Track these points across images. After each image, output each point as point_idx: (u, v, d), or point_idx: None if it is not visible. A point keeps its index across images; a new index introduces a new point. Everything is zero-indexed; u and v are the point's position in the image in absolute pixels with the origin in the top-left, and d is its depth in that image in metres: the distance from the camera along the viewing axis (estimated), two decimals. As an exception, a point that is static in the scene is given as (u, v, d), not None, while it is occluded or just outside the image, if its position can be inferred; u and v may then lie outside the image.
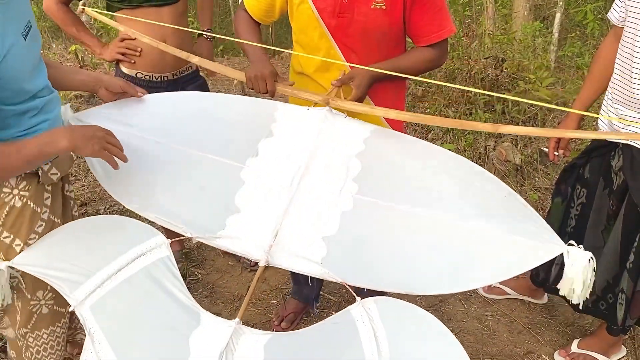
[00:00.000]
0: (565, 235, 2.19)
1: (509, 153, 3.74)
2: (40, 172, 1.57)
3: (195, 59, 2.04)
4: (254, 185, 1.73)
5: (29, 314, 1.65)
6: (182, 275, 2.58)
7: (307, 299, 2.47)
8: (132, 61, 2.26)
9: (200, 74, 2.51)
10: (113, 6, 2.22)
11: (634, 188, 1.97)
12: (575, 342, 2.35)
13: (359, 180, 1.71)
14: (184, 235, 1.65)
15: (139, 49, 2.20)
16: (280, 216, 1.67)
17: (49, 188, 1.63)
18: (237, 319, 1.50)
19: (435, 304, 2.64)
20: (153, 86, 2.24)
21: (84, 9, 2.06)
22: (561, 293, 1.52)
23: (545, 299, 2.65)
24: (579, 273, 1.47)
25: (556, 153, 2.21)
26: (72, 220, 1.75)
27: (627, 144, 1.97)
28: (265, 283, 2.75)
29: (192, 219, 1.68)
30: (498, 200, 1.61)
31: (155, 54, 2.22)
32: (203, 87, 2.46)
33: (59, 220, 1.66)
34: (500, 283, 2.68)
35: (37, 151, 1.43)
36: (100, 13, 2.18)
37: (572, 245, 1.49)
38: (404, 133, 1.93)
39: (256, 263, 1.63)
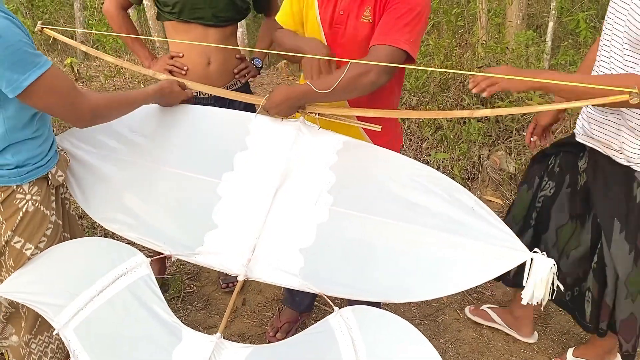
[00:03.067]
0: (529, 227, 2.19)
1: (503, 161, 3.75)
2: (49, 176, 1.65)
3: (161, 76, 2.08)
4: (230, 200, 1.77)
5: (34, 319, 1.70)
6: (177, 289, 2.65)
7: (299, 306, 2.48)
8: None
9: (251, 88, 2.55)
10: (163, 15, 2.30)
11: (593, 192, 1.99)
12: (570, 351, 2.34)
13: (333, 192, 1.74)
14: (163, 254, 1.69)
15: (185, 67, 2.26)
16: (258, 230, 1.71)
17: (53, 191, 1.70)
18: (218, 334, 1.53)
19: (431, 314, 2.63)
20: (200, 102, 2.25)
21: (42, 27, 2.11)
22: (523, 297, 1.55)
23: (534, 337, 2.50)
24: (542, 279, 1.52)
25: (532, 139, 2.21)
26: (70, 219, 1.83)
27: (592, 148, 1.99)
28: (261, 295, 2.76)
29: (171, 236, 1.72)
30: (467, 210, 1.65)
31: (199, 71, 2.27)
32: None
33: (61, 222, 1.73)
34: (490, 309, 2.61)
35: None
36: (60, 32, 2.22)
37: (537, 252, 1.54)
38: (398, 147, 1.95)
39: (227, 285, 1.65)
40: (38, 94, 1.43)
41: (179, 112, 1.96)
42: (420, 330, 1.50)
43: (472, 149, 3.89)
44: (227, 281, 2.72)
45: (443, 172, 3.78)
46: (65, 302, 1.54)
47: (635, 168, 1.86)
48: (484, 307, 2.57)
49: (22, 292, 1.59)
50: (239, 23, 2.44)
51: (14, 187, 1.56)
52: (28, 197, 1.59)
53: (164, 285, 2.71)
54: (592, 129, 1.95)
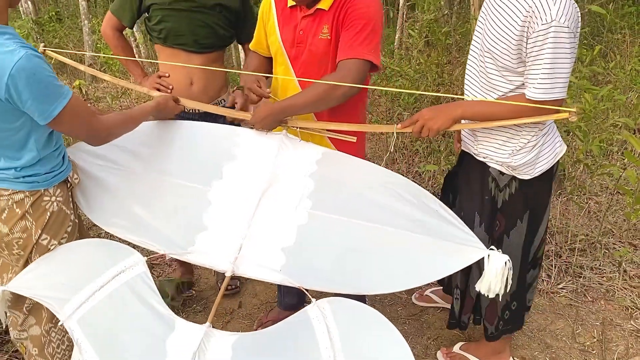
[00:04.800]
0: None
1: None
2: (69, 179, 1.86)
3: (155, 93, 2.28)
4: (219, 204, 1.95)
5: None
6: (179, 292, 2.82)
7: (286, 307, 2.64)
8: None
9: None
10: (152, 39, 2.54)
11: (459, 189, 2.21)
12: (457, 345, 2.47)
13: (312, 197, 1.92)
14: (158, 252, 1.87)
15: (171, 86, 2.41)
16: (244, 231, 1.88)
17: (70, 193, 1.90)
18: (207, 323, 1.69)
19: (416, 314, 2.78)
20: (187, 118, 2.41)
21: (44, 50, 2.31)
22: (481, 290, 1.74)
23: None
24: (497, 273, 1.70)
25: (458, 145, 2.32)
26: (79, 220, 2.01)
27: (464, 151, 2.18)
28: (256, 298, 2.94)
29: (166, 238, 1.90)
30: (432, 213, 1.83)
31: (183, 90, 2.43)
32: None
33: (77, 220, 1.93)
34: (432, 293, 2.83)
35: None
36: (59, 53, 2.43)
37: (493, 249, 1.72)
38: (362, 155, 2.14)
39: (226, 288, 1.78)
40: (64, 120, 1.64)
41: (173, 127, 2.15)
42: (405, 329, 1.66)
43: (460, 160, 4.05)
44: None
45: (433, 183, 3.98)
46: (68, 296, 1.71)
47: (489, 163, 2.01)
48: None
49: (30, 288, 1.75)
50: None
51: (42, 190, 1.76)
52: (53, 198, 1.79)
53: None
54: (462, 132, 2.14)
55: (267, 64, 2.31)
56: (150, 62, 2.63)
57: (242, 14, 2.57)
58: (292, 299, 2.65)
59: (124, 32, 2.68)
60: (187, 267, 3.02)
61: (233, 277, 1.88)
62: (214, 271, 3.02)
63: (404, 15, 6.53)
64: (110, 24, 2.55)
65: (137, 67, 2.63)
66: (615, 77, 5.21)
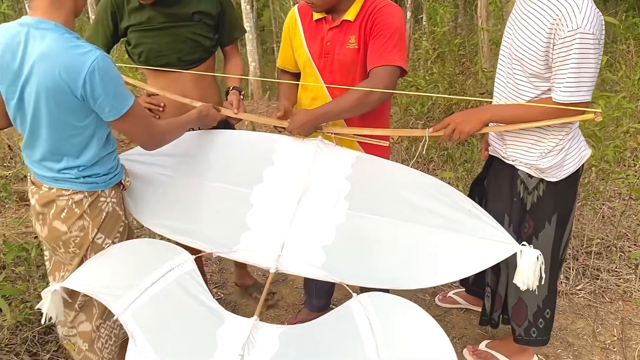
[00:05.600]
0: None
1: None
2: (123, 181, 1.97)
3: (197, 103, 2.32)
4: (261, 206, 2.06)
5: (104, 306, 1.93)
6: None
7: (315, 309, 2.74)
8: (157, 116, 2.47)
9: (229, 121, 2.50)
10: (133, 60, 2.43)
11: (488, 191, 2.29)
12: (483, 343, 2.56)
13: (349, 198, 2.03)
14: (205, 251, 1.97)
15: (162, 104, 2.45)
16: (285, 231, 1.99)
17: (121, 195, 2.01)
18: (255, 316, 1.78)
19: (440, 315, 2.87)
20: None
21: None
22: (516, 282, 1.83)
23: None
24: (530, 268, 1.79)
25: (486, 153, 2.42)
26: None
27: (492, 155, 2.27)
28: (283, 300, 3.04)
29: (212, 238, 2.00)
30: (464, 211, 1.93)
31: (176, 107, 2.38)
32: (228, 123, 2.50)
33: (127, 221, 2.02)
34: (454, 294, 2.93)
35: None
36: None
37: (525, 245, 1.81)
38: (387, 158, 2.24)
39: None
40: (128, 119, 1.76)
41: (214, 135, 2.28)
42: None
43: (475, 167, 4.16)
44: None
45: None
46: (122, 292, 1.80)
47: (517, 166, 2.11)
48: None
49: (86, 284, 1.85)
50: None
51: (99, 192, 1.87)
52: (108, 199, 1.90)
53: None
54: (490, 137, 2.24)
55: (297, 80, 2.41)
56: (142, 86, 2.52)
57: (221, 16, 2.45)
58: (320, 301, 2.74)
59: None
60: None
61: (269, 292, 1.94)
62: (245, 285, 3.09)
63: (411, 27, 6.68)
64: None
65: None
66: (623, 86, 5.33)
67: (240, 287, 3.09)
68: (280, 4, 18.51)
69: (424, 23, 7.95)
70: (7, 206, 3.96)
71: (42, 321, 1.84)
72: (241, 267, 3.04)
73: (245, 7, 9.34)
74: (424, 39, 6.04)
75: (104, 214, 1.89)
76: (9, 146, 4.73)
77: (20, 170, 4.32)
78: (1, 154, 4.47)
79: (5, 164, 4.48)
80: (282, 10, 19.26)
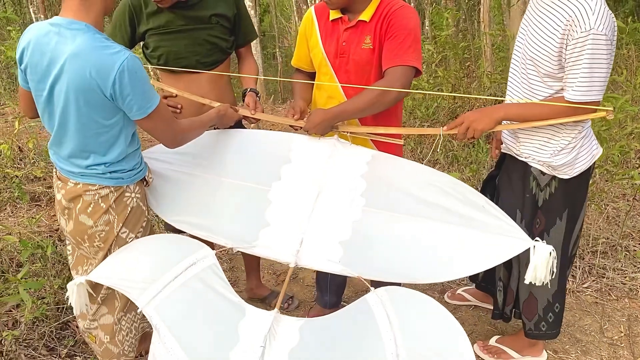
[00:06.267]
0: None
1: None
2: (147, 177, 2.03)
3: (215, 104, 2.37)
4: (279, 203, 2.10)
5: (126, 299, 2.02)
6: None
7: (327, 305, 2.79)
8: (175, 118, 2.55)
9: (244, 123, 2.55)
10: (151, 63, 2.47)
11: (500, 187, 2.34)
12: (494, 338, 2.61)
13: (365, 195, 2.08)
14: (226, 247, 2.01)
15: (179, 106, 2.45)
16: (304, 227, 2.03)
17: (144, 191, 2.06)
18: (276, 309, 1.83)
19: (449, 311, 2.91)
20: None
21: None
22: (527, 277, 1.87)
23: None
24: (543, 263, 1.84)
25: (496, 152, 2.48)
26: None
27: (504, 152, 2.31)
28: (294, 298, 3.08)
29: (232, 233, 2.05)
30: (478, 208, 1.98)
31: (194, 108, 2.43)
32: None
33: (149, 217, 2.08)
34: (464, 291, 2.97)
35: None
36: None
37: (538, 241, 1.86)
38: (401, 156, 2.29)
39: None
40: (154, 117, 1.82)
41: (232, 134, 2.33)
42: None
43: (481, 169, 4.22)
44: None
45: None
46: (146, 285, 1.84)
47: (530, 163, 2.16)
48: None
49: (110, 277, 1.89)
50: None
51: (124, 187, 1.92)
52: (133, 195, 1.96)
53: None
54: (503, 135, 2.29)
55: (311, 80, 2.47)
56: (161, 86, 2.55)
57: (237, 18, 2.50)
58: (332, 298, 2.79)
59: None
60: None
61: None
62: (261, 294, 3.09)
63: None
64: None
65: None
66: (626, 89, 5.39)
67: (255, 300, 3.01)
68: (282, 10, 18.61)
69: (427, 27, 8.03)
70: (18, 206, 4.01)
71: (75, 312, 1.88)
72: (254, 278, 3.03)
73: (249, 11, 9.40)
74: (427, 42, 6.11)
75: (129, 209, 1.94)
76: (19, 147, 4.78)
77: (31, 171, 4.37)
78: (12, 155, 4.51)
79: (15, 165, 4.53)
80: (283, 15, 19.37)
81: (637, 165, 4.25)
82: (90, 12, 1.75)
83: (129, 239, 1.98)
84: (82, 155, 1.86)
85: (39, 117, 1.92)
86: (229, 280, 3.19)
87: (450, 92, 5.24)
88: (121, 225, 1.94)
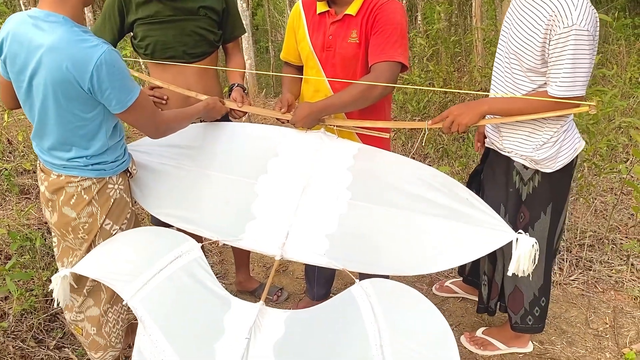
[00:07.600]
0: None
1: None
2: (130, 169, 2.02)
3: (202, 97, 2.38)
4: (266, 196, 2.11)
5: (112, 291, 2.02)
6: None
7: (316, 297, 2.80)
8: (160, 109, 2.47)
9: (230, 118, 2.57)
10: (139, 53, 2.50)
11: (484, 182, 2.37)
12: (480, 330, 2.64)
13: (351, 189, 2.08)
14: (211, 239, 2.02)
15: (165, 97, 2.50)
16: (290, 220, 2.04)
17: (128, 183, 2.06)
18: (261, 302, 1.84)
19: (437, 304, 2.87)
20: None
21: None
22: (510, 269, 1.88)
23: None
24: (526, 255, 1.85)
25: (478, 145, 2.51)
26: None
27: (488, 147, 2.33)
28: (284, 290, 3.09)
29: (218, 226, 2.06)
30: (462, 201, 1.99)
31: (180, 100, 2.45)
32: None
33: (134, 209, 2.08)
34: (451, 283, 3.00)
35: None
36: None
37: (521, 233, 1.87)
38: (389, 150, 2.30)
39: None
40: (134, 110, 1.81)
41: (219, 127, 2.33)
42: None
43: (470, 163, 4.24)
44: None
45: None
46: (130, 278, 1.84)
47: (513, 158, 2.18)
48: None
49: (96, 270, 1.90)
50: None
51: (107, 178, 1.92)
52: (116, 186, 1.95)
53: None
54: (487, 129, 2.31)
55: (300, 73, 2.48)
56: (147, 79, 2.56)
57: (225, 13, 2.53)
58: (320, 290, 2.81)
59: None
60: None
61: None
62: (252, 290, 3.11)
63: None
64: None
65: None
66: (615, 84, 5.42)
67: (244, 293, 3.07)
68: (274, 4, 18.54)
69: (419, 22, 8.03)
70: (7, 199, 4.00)
71: (55, 305, 1.88)
72: (244, 271, 3.05)
73: (241, 5, 9.36)
74: (419, 37, 6.11)
75: (112, 200, 1.94)
76: (8, 140, 4.76)
77: (20, 163, 4.36)
78: (1, 148, 4.49)
79: (4, 158, 4.51)
80: (276, 9, 19.30)
81: (625, 159, 4.27)
82: (67, 4, 1.73)
83: (113, 230, 1.98)
84: (64, 148, 1.86)
85: (20, 107, 1.91)
86: (218, 274, 3.26)
87: (442, 87, 5.26)
88: (104, 216, 1.94)
